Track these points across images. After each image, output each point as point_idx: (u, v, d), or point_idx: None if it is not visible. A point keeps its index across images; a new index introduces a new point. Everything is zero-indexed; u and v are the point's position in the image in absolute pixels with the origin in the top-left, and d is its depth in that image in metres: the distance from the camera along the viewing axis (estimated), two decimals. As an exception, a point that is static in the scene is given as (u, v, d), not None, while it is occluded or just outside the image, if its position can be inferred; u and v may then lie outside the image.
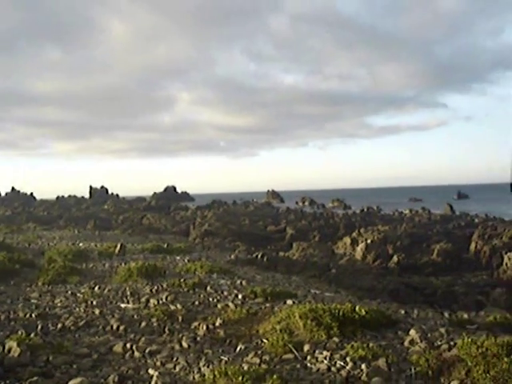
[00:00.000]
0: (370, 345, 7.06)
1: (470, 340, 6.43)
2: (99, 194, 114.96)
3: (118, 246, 20.73)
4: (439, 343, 7.23)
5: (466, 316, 10.75)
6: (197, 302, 10.91)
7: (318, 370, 6.49)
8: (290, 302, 10.42)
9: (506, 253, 26.47)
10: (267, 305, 10.14)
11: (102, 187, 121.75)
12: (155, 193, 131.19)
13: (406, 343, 7.38)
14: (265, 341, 7.66)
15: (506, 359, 5.80)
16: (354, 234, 34.62)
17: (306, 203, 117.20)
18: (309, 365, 6.68)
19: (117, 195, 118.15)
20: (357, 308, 8.16)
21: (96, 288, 12.94)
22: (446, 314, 11.13)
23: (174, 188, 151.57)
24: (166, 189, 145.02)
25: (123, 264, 16.52)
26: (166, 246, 23.43)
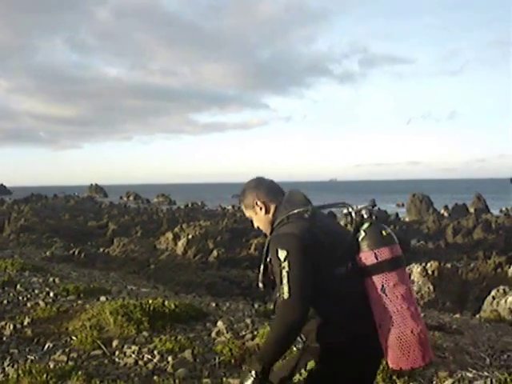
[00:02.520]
0: (178, 337, 7.31)
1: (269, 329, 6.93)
2: None
3: None
4: (244, 333, 7.68)
5: (272, 307, 11.44)
6: (5, 301, 10.45)
7: (126, 364, 6.62)
8: (103, 298, 10.36)
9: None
10: (79, 302, 10.00)
11: None
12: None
13: (213, 334, 7.73)
14: (74, 338, 7.61)
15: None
16: (177, 229, 34.89)
17: (131, 198, 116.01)
18: (117, 360, 6.77)
19: None
20: (166, 302, 8.39)
21: None
22: (256, 306, 11.75)
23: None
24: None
25: None
26: (-25, 242, 22.02)
